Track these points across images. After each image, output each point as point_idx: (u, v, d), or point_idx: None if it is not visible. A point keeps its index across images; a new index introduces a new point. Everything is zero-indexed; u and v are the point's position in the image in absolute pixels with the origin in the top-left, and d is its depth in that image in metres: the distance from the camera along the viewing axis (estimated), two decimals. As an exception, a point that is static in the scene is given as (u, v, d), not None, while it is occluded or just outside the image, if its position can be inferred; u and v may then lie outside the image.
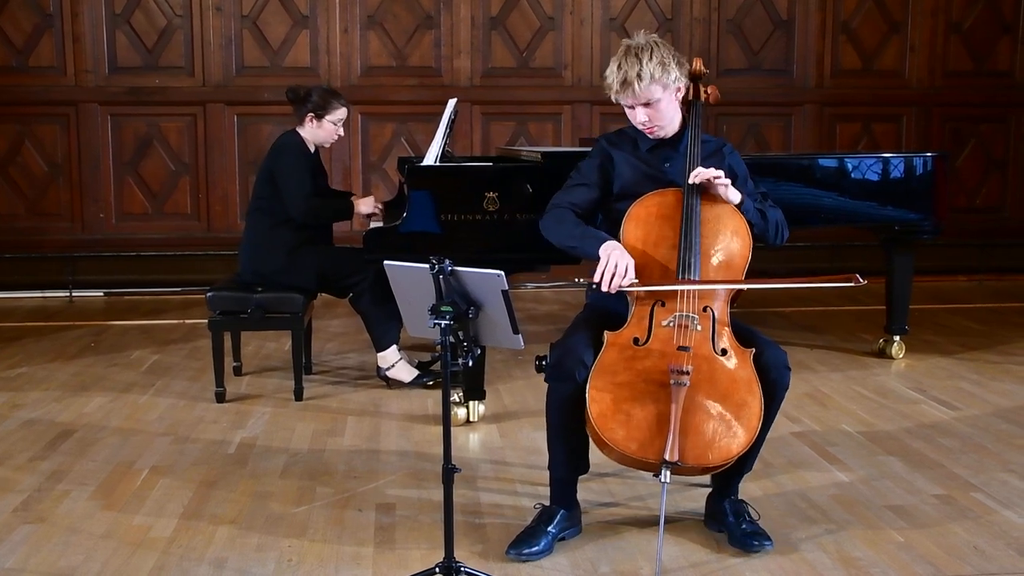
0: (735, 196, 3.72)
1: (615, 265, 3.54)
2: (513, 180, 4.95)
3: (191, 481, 4.32)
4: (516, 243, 4.90)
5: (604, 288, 3.55)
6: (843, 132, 9.00)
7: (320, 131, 5.63)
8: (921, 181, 6.03)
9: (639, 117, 3.76)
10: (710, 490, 3.89)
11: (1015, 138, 9.20)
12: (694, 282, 3.60)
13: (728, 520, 3.72)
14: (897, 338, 6.31)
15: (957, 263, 8.99)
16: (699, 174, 3.65)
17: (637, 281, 3.57)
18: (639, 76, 3.64)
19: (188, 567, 3.54)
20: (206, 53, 8.37)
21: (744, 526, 3.69)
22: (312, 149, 5.69)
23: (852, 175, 5.88)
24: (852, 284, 3.54)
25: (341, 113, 5.65)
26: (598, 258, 3.60)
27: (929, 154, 6.07)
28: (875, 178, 5.93)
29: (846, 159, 5.95)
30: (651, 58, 3.66)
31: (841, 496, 4.16)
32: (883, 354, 6.33)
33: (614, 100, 3.77)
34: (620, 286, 3.54)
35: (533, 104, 8.65)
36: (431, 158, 5.30)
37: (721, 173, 3.67)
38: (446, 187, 4.98)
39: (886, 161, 5.98)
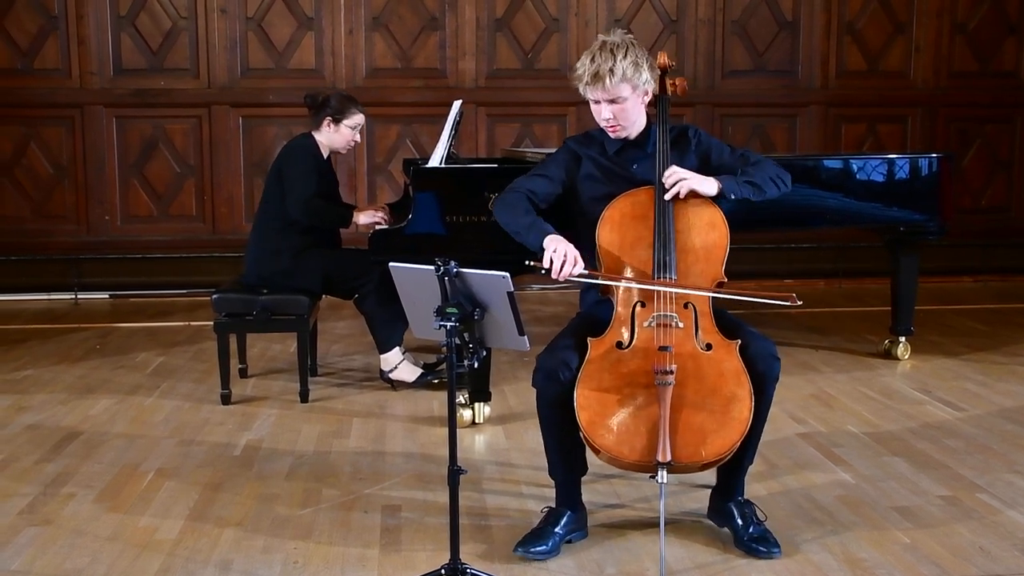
0: (710, 188, 3.69)
1: (563, 254, 3.54)
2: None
3: (197, 483, 4.32)
4: (521, 245, 4.89)
5: (554, 275, 3.54)
6: (848, 133, 8.98)
7: (337, 136, 5.63)
8: (926, 182, 6.03)
9: (603, 114, 3.76)
10: (714, 486, 3.87)
11: (1021, 139, 9.18)
12: (655, 282, 3.58)
13: (735, 523, 3.72)
14: (902, 339, 6.31)
15: (962, 264, 8.98)
16: (671, 177, 3.65)
17: (587, 272, 3.57)
18: (611, 71, 3.64)
19: (194, 569, 3.55)
20: (211, 55, 8.37)
21: (752, 530, 3.69)
22: (325, 155, 5.70)
23: (857, 176, 5.87)
24: (789, 304, 3.52)
25: (359, 119, 5.65)
26: (542, 250, 3.60)
27: (934, 155, 6.07)
28: (880, 179, 5.92)
29: (851, 160, 5.95)
30: (625, 56, 3.67)
31: (846, 497, 4.16)
32: (888, 355, 6.32)
33: (582, 93, 3.77)
34: (571, 274, 3.54)
35: (538, 105, 8.64)
36: (436, 160, 5.31)
37: (686, 176, 3.65)
38: (451, 189, 4.98)
39: (891, 162, 5.97)
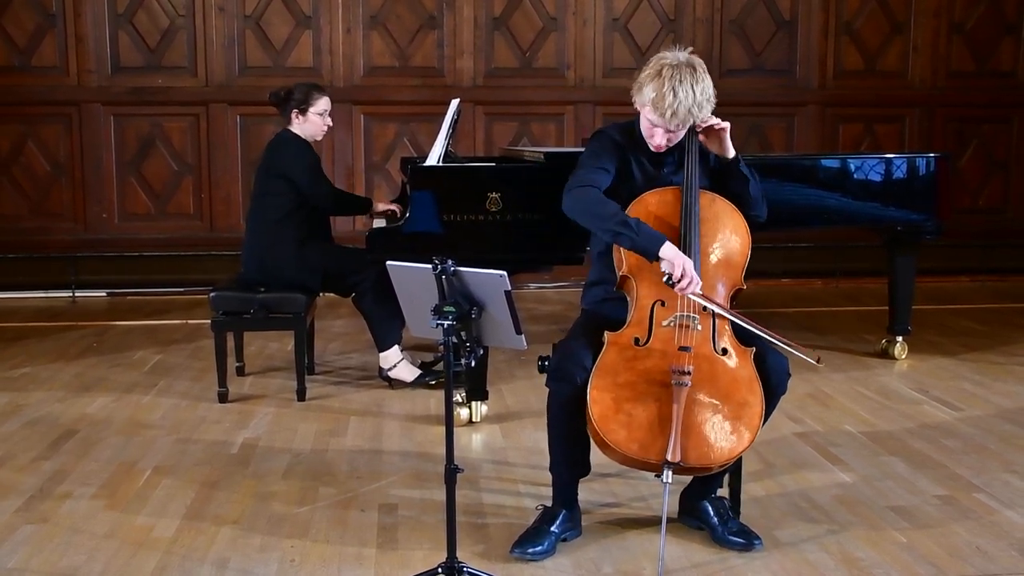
0: (731, 149, 3.74)
1: (692, 272, 3.50)
2: (516, 180, 4.95)
3: (193, 481, 4.32)
4: (519, 243, 4.90)
5: (677, 290, 3.50)
6: (846, 133, 8.99)
7: (308, 125, 5.64)
8: (923, 182, 6.03)
9: (657, 139, 3.68)
10: (686, 487, 3.87)
11: (1017, 139, 9.19)
12: (734, 312, 3.61)
13: (711, 520, 3.74)
14: (900, 339, 6.31)
15: (959, 264, 8.98)
16: (707, 120, 3.67)
17: (703, 294, 3.57)
18: (688, 111, 3.56)
19: (190, 567, 3.54)
20: (209, 53, 8.37)
21: (730, 524, 3.72)
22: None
23: (855, 176, 5.87)
24: (813, 361, 3.60)
25: (324, 103, 5.66)
26: (646, 252, 3.54)
27: (932, 155, 6.08)
28: (878, 179, 5.93)
29: (849, 160, 5.95)
30: (702, 93, 3.57)
31: (843, 496, 4.16)
32: (886, 355, 6.33)
33: (637, 104, 3.67)
34: (695, 293, 3.52)
35: (536, 104, 8.64)
36: (434, 158, 5.31)
37: (725, 126, 3.70)
38: (449, 187, 4.98)
39: (889, 162, 5.98)
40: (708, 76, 3.63)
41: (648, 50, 8.37)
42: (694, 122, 3.65)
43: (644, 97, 3.62)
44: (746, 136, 8.81)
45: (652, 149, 3.75)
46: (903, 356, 6.29)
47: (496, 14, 8.56)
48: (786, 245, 8.65)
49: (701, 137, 3.74)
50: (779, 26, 8.81)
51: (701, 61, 3.66)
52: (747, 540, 3.66)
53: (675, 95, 3.54)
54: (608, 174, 3.76)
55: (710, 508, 3.76)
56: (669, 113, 3.56)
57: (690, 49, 3.70)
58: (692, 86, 3.55)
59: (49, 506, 4.05)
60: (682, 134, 3.71)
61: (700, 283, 3.53)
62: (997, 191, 9.24)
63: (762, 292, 8.36)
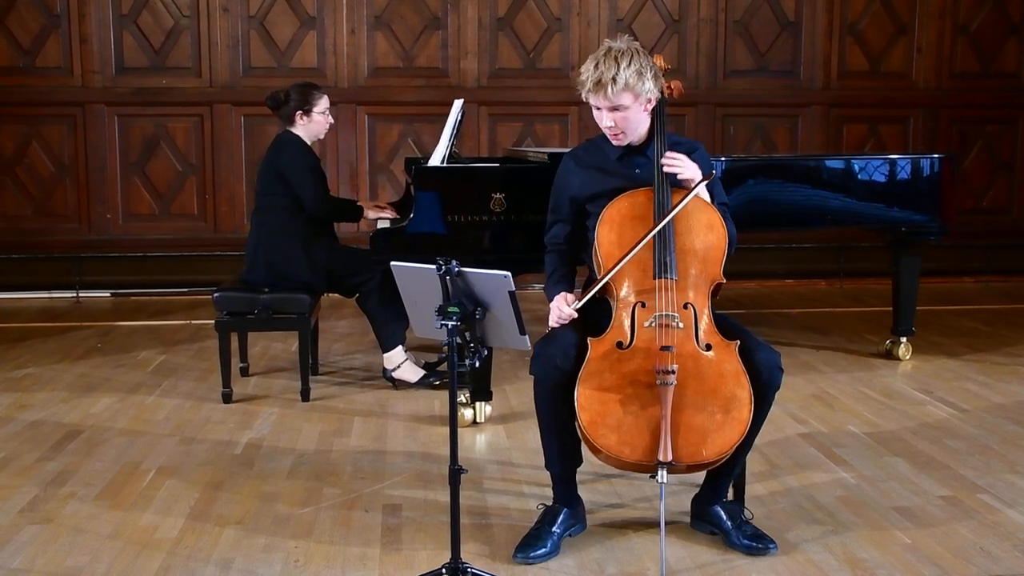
0: (697, 175, 3.72)
1: (558, 309, 3.68)
2: (520, 181, 4.96)
3: (197, 482, 4.32)
4: (523, 244, 4.91)
5: (556, 323, 3.69)
6: (850, 133, 8.99)
7: (312, 125, 5.65)
8: (928, 183, 6.03)
9: (605, 121, 3.75)
10: (697, 493, 3.87)
11: (1022, 139, 9.18)
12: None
13: (725, 525, 3.73)
14: (903, 339, 6.30)
15: (964, 264, 8.98)
16: (673, 158, 3.69)
17: (581, 296, 3.67)
18: (614, 80, 3.62)
19: (194, 567, 3.55)
20: (213, 54, 8.38)
21: (744, 528, 3.70)
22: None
23: (859, 176, 5.88)
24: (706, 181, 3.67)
25: (325, 102, 5.69)
26: None
27: (936, 156, 6.07)
28: (882, 180, 5.93)
29: (853, 160, 5.95)
30: (629, 64, 3.63)
31: (847, 497, 4.16)
32: (889, 355, 6.32)
33: (584, 98, 3.75)
34: (569, 314, 3.65)
35: (540, 105, 8.65)
36: (438, 159, 5.31)
37: (687, 163, 3.68)
38: (453, 188, 4.98)
39: (893, 163, 5.98)
40: (644, 56, 3.70)
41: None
42: (636, 99, 3.69)
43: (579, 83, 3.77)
44: (750, 136, 8.82)
45: (612, 141, 3.81)
46: (907, 357, 6.29)
47: (500, 15, 8.56)
48: (790, 245, 8.66)
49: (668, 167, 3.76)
50: (783, 27, 8.81)
51: (640, 47, 3.73)
52: (762, 544, 3.65)
53: (596, 67, 3.67)
54: (562, 223, 3.97)
55: (722, 513, 3.75)
56: (591, 84, 3.67)
57: (629, 36, 3.81)
58: (616, 59, 3.64)
59: (53, 507, 4.06)
60: (637, 116, 3.73)
61: (562, 300, 3.74)
62: (1002, 192, 9.24)
63: (766, 293, 8.35)
